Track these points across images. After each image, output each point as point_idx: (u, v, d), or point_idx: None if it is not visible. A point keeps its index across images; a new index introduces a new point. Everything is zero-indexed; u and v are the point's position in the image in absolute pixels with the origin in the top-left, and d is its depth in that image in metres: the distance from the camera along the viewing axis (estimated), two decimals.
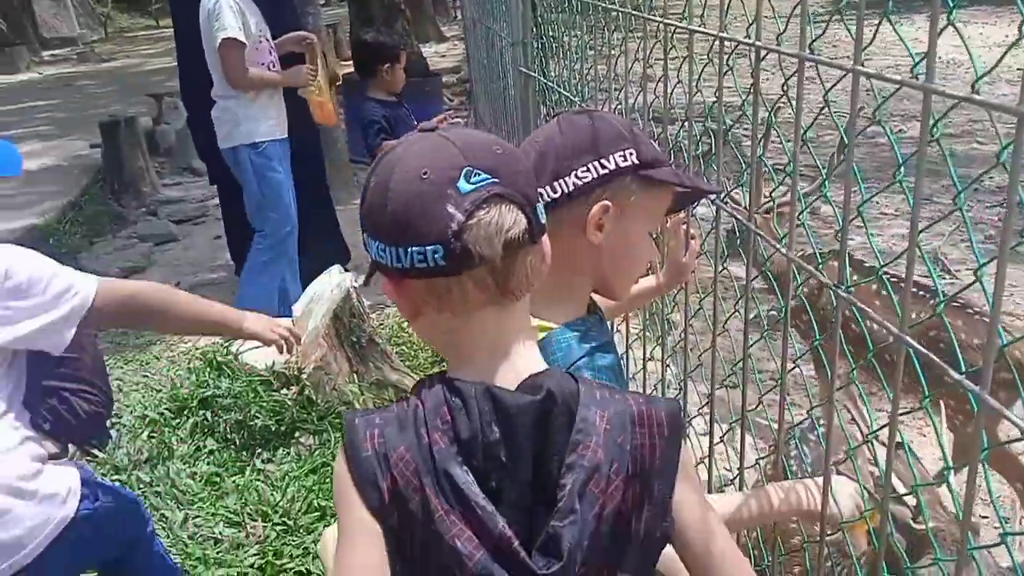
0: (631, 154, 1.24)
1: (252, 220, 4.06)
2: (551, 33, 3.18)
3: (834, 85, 1.23)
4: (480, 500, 0.91)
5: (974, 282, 1.02)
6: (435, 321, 0.97)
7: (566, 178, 1.22)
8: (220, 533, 2.64)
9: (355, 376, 3.25)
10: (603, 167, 1.23)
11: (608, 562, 0.96)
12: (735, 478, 1.84)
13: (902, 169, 1.16)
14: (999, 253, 0.90)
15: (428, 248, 0.89)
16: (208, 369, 3.29)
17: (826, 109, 1.29)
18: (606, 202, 1.22)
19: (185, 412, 3.19)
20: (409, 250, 0.90)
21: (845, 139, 1.26)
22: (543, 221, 0.97)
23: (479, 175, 0.91)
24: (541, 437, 0.95)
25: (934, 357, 1.06)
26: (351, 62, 4.56)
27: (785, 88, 1.40)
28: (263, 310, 3.37)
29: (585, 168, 1.22)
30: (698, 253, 1.74)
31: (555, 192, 1.22)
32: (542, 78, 3.23)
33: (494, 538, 0.91)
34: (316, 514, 2.66)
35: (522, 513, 0.94)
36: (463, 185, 0.90)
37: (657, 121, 2.22)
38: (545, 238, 0.98)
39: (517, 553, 0.91)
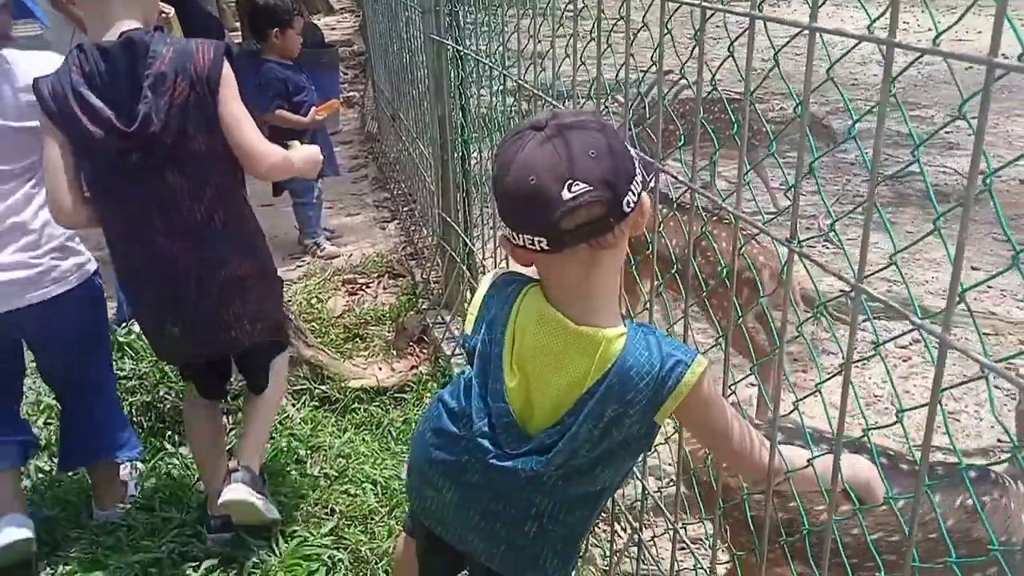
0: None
1: None
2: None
3: (788, 42, 1.26)
4: (95, 101, 1.85)
5: (930, 233, 1.07)
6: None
7: (634, 182, 1.21)
8: (133, 519, 2.52)
9: None
10: (642, 164, 1.25)
11: (185, 127, 1.89)
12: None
13: (856, 127, 1.20)
14: (966, 200, 0.93)
15: None
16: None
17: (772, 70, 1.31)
18: (646, 195, 1.26)
19: None
20: None
21: (796, 99, 1.29)
22: None
23: None
24: (130, 64, 1.85)
25: (893, 304, 1.11)
26: (238, 32, 4.45)
27: (732, 50, 1.42)
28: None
29: (638, 169, 1.23)
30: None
31: (634, 200, 1.21)
32: (456, 46, 3.18)
33: (103, 121, 1.86)
34: None
35: (123, 108, 1.86)
36: None
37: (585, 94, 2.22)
38: None
39: (113, 122, 1.85)
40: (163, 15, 3.49)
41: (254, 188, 5.86)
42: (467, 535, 1.40)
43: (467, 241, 3.52)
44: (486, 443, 1.31)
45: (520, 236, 1.21)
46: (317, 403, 3.17)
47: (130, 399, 2.93)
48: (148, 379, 2.97)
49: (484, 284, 1.42)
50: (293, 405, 3.10)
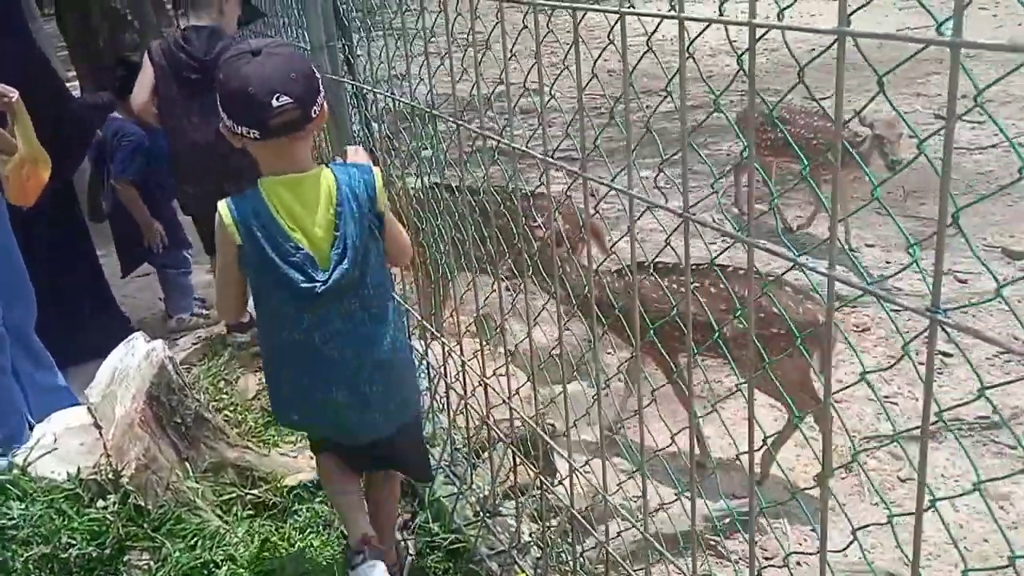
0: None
1: None
2: (360, 30, 2.78)
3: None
4: None
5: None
6: None
7: (319, 98, 1.82)
8: None
9: (187, 465, 2.67)
10: (321, 84, 1.86)
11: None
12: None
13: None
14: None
15: None
16: None
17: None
18: (326, 104, 1.89)
19: None
20: None
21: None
22: None
23: None
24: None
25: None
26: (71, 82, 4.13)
27: (741, 62, 1.15)
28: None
29: (321, 88, 1.85)
30: None
31: (316, 112, 1.82)
32: (356, 83, 2.82)
33: None
34: None
35: None
36: None
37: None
38: None
39: None
40: (5, 99, 2.90)
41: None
42: (356, 401, 1.99)
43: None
44: (304, 286, 1.82)
45: (240, 127, 1.77)
46: (252, 511, 2.72)
47: (24, 553, 2.41)
48: (44, 525, 2.45)
49: (224, 227, 1.85)
50: (224, 520, 2.64)
